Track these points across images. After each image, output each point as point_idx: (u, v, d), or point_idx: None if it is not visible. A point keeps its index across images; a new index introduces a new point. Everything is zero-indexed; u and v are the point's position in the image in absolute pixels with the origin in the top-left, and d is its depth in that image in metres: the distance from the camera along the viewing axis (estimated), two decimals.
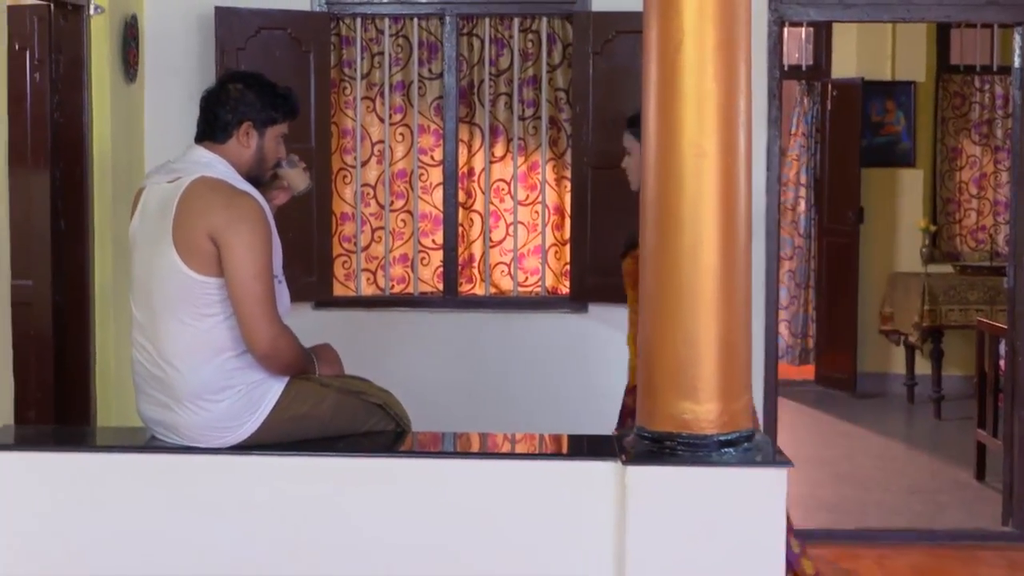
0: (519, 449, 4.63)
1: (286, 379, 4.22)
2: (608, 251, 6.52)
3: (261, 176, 4.34)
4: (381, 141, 7.09)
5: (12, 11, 5.02)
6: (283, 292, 4.25)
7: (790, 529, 4.65)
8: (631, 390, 4.95)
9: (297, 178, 4.48)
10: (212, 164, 4.19)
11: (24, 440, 4.51)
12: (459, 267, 7.02)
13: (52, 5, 5.94)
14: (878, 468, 8.02)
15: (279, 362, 4.16)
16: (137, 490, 4.21)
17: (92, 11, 6.06)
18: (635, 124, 4.93)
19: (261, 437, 4.19)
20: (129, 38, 6.41)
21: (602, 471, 4.06)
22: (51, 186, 6.03)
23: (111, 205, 6.21)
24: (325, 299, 6.83)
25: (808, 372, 10.61)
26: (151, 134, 6.70)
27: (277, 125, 4.31)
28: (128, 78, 6.45)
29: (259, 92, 4.29)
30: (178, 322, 4.10)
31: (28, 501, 4.22)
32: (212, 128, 4.26)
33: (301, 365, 4.25)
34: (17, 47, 5.77)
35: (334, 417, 4.31)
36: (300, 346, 4.26)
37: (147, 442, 4.30)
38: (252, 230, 4.05)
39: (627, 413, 4.97)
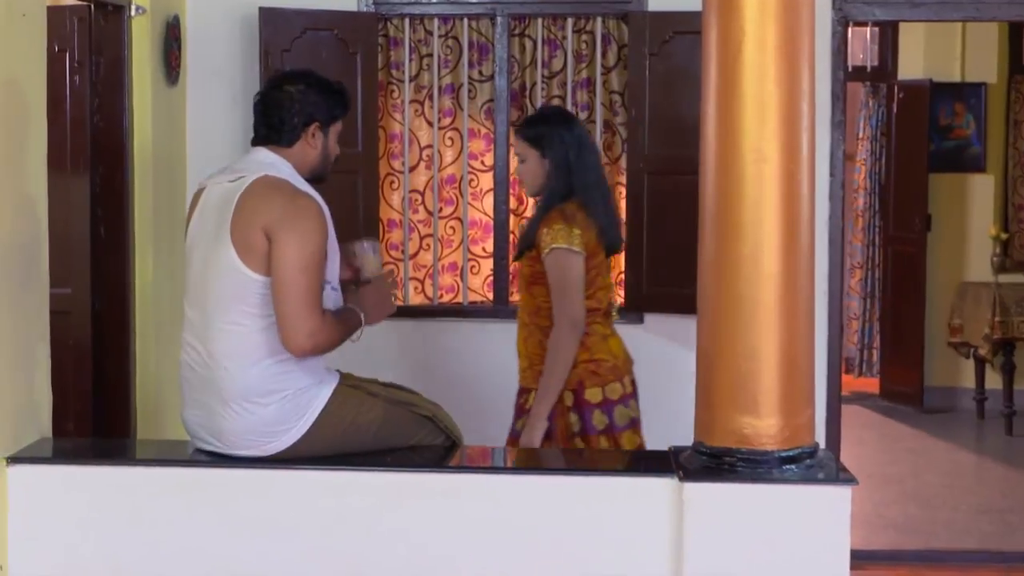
0: (570, 464, 4.62)
1: (334, 385, 4.24)
2: (665, 260, 6.53)
3: (323, 174, 4.36)
4: (430, 146, 7.11)
5: (51, 12, 5.05)
6: (338, 301, 4.27)
7: None
8: (521, 391, 5.07)
9: (371, 265, 4.45)
10: (276, 165, 4.23)
11: (62, 453, 4.53)
12: (510, 276, 7.02)
13: (92, 6, 5.98)
14: (946, 486, 7.96)
15: (320, 353, 4.18)
16: (178, 505, 4.22)
17: (133, 12, 6.10)
18: (528, 126, 5.04)
19: (306, 447, 4.19)
20: (171, 39, 6.45)
21: (659, 487, 4.05)
22: (91, 191, 6.07)
23: (152, 211, 6.24)
24: None
25: (873, 385, 10.56)
26: (193, 138, 6.74)
27: (338, 123, 4.36)
28: (170, 80, 6.49)
29: (320, 91, 4.32)
30: (230, 322, 4.12)
31: (66, 516, 4.24)
32: (278, 132, 4.27)
33: (343, 339, 4.22)
34: (56, 48, 5.82)
35: (381, 429, 4.31)
36: (339, 326, 4.18)
37: (189, 456, 4.31)
38: (306, 228, 4.06)
39: (519, 414, 5.03)
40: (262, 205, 4.10)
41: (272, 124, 4.27)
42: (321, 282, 4.12)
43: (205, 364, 4.19)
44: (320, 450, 4.22)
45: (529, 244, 4.92)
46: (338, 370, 4.37)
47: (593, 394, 4.91)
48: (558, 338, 4.82)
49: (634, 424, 5.01)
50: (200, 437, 4.29)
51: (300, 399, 4.17)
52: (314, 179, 4.30)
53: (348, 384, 4.29)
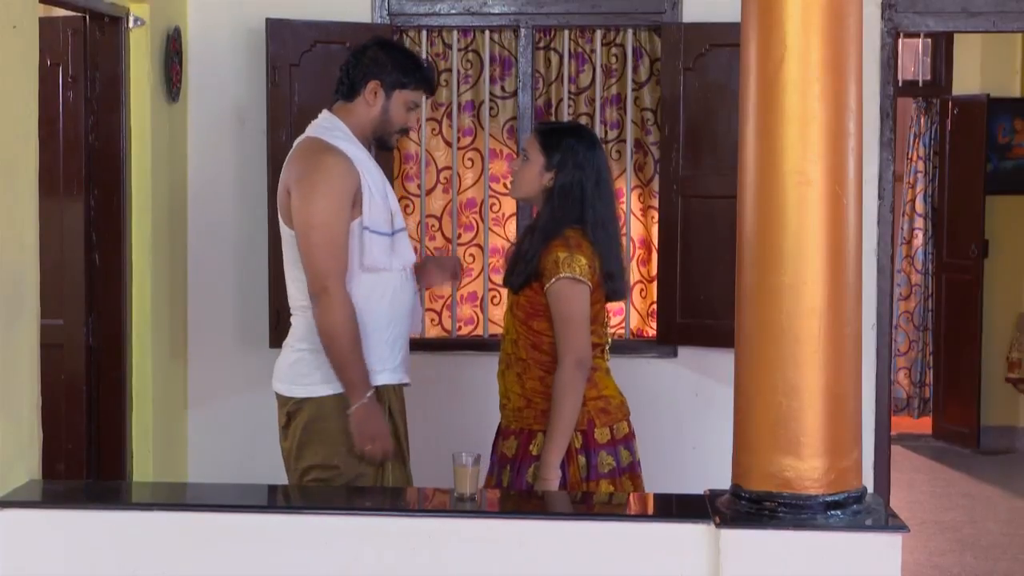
0: (600, 509, 4.60)
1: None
2: (700, 290, 6.52)
3: (387, 140, 4.90)
4: (448, 167, 7.12)
5: (44, 23, 5.06)
6: (400, 241, 4.82)
7: None
8: (517, 433, 5.00)
9: (467, 481, 4.29)
10: (322, 124, 4.78)
11: (52, 496, 4.53)
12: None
13: (87, 17, 6.01)
14: (1005, 534, 7.93)
15: (324, 308, 4.59)
16: (176, 552, 4.21)
17: (131, 23, 6.13)
18: (550, 131, 5.02)
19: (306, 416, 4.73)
20: (172, 53, 6.48)
21: (693, 534, 4.03)
22: (85, 216, 6.10)
23: (151, 237, 6.26)
24: None
25: (925, 425, 10.52)
26: (195, 158, 6.77)
27: (406, 90, 4.82)
28: (170, 97, 6.51)
29: (392, 55, 4.84)
30: (289, 274, 4.80)
31: (56, 564, 4.23)
32: (343, 85, 4.82)
33: (348, 335, 4.62)
34: (49, 63, 5.85)
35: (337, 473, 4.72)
36: (352, 321, 4.62)
37: (187, 499, 4.31)
38: (319, 181, 4.59)
39: (527, 461, 4.94)
40: (289, 166, 4.70)
41: (341, 78, 4.84)
42: (340, 238, 4.61)
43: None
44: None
45: (532, 274, 4.89)
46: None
47: (602, 434, 4.91)
48: (565, 377, 4.77)
49: (633, 468, 4.99)
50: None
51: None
52: (379, 144, 4.91)
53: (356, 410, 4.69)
